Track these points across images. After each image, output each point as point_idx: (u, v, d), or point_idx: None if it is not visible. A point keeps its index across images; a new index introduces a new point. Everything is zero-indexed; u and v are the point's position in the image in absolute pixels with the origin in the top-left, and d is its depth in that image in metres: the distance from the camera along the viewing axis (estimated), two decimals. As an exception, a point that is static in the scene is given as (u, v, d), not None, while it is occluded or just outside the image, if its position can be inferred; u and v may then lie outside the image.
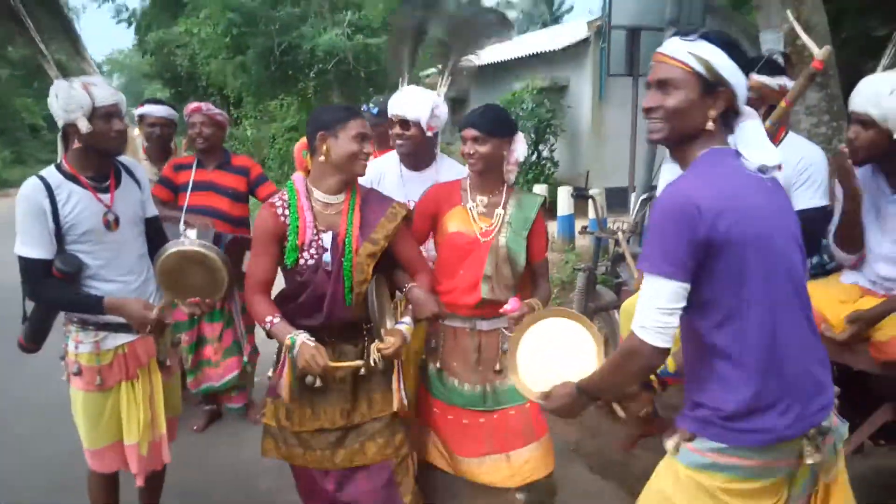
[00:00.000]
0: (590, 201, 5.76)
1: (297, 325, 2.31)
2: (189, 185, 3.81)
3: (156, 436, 2.63)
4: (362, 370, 2.36)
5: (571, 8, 33.11)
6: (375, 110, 3.85)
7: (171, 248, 2.46)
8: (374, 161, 2.96)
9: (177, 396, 2.88)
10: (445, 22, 3.16)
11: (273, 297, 2.45)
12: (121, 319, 2.46)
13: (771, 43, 4.52)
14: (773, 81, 2.68)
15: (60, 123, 2.40)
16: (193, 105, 3.93)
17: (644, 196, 3.54)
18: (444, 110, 2.89)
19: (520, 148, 2.51)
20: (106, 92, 2.39)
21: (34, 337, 2.65)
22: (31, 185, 2.39)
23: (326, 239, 2.35)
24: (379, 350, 2.30)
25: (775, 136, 2.71)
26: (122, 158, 2.66)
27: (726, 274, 1.56)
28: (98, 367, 2.50)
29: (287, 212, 2.36)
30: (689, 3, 5.98)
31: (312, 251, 2.34)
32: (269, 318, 2.31)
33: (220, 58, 13.73)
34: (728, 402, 1.60)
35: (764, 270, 1.57)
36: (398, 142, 2.88)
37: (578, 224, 7.73)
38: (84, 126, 2.34)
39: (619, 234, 4.07)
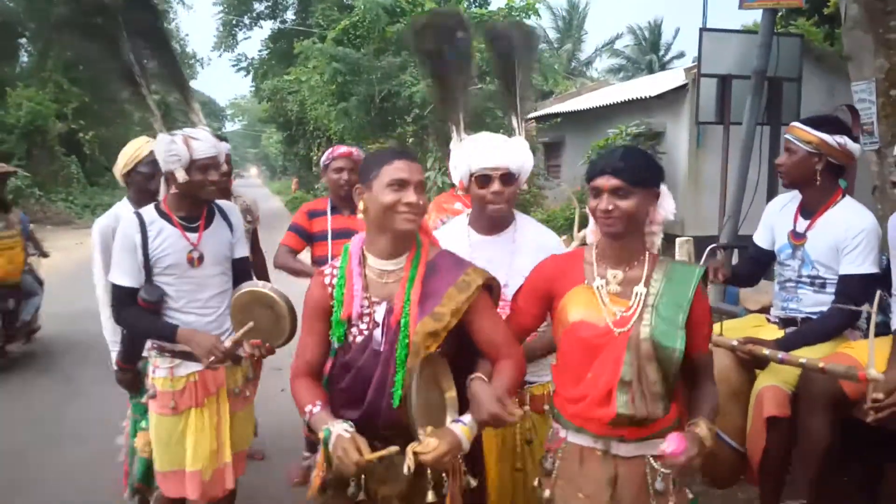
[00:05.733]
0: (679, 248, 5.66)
1: (339, 418, 1.88)
2: (328, 233, 3.62)
3: (220, 463, 2.74)
4: (430, 496, 1.83)
5: (682, 53, 32.49)
6: None
7: (247, 286, 2.63)
8: (443, 229, 2.59)
9: (247, 429, 2.98)
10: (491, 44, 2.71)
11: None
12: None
13: (863, 93, 4.35)
14: (833, 139, 2.65)
15: (163, 170, 2.63)
16: (342, 150, 3.73)
17: (712, 246, 3.46)
18: None
19: (668, 203, 1.92)
20: (205, 145, 2.59)
21: (127, 358, 2.87)
22: (128, 220, 2.63)
23: (380, 312, 1.91)
24: (415, 454, 1.72)
25: (830, 200, 2.67)
26: (221, 202, 2.85)
27: None
28: (172, 391, 2.66)
29: (335, 281, 1.98)
30: (783, 50, 5.82)
31: (363, 326, 1.92)
32: (308, 408, 1.90)
33: (326, 104, 14.45)
34: None
35: None
36: (495, 203, 2.34)
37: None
38: (181, 176, 2.55)
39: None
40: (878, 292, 2.28)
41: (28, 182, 23.14)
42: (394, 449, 1.76)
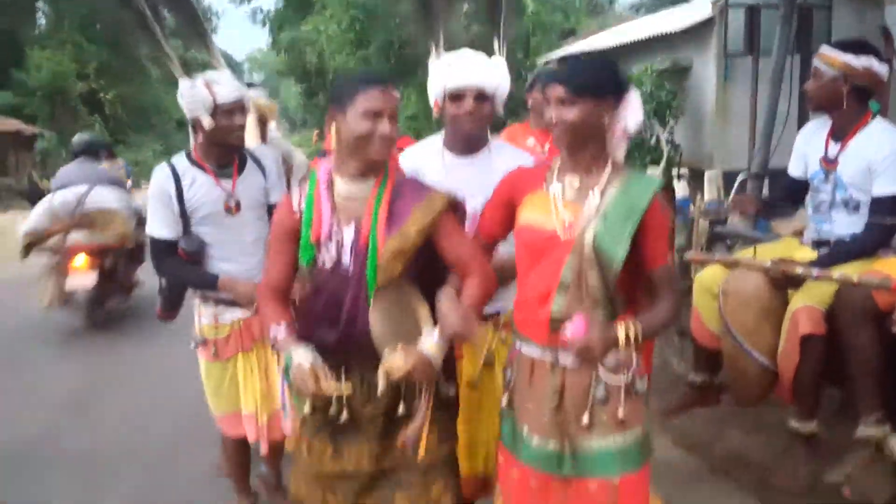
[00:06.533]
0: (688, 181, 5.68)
1: (314, 342, 1.95)
2: None
3: (273, 407, 2.81)
4: (401, 409, 1.93)
5: (702, -17, 31.47)
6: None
7: None
8: (415, 148, 2.59)
9: None
10: None
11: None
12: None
13: (898, 16, 4.24)
14: (858, 62, 2.67)
15: (189, 118, 2.61)
16: None
17: (742, 177, 3.50)
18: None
19: (631, 114, 1.83)
20: (228, 89, 2.56)
21: (169, 307, 2.95)
22: (160, 171, 2.64)
23: (348, 234, 1.94)
24: (385, 373, 1.82)
25: (859, 123, 2.68)
26: (252, 147, 2.85)
27: None
28: (216, 339, 2.73)
29: (303, 204, 2.00)
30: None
31: (332, 249, 1.95)
32: (274, 330, 1.98)
33: (345, 53, 14.34)
34: None
35: None
36: (468, 121, 2.32)
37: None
38: (207, 123, 2.54)
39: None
40: None
41: (54, 143, 23.40)
42: (346, 388, 1.87)
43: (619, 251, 1.77)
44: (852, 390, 2.64)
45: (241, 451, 2.96)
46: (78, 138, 6.75)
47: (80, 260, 5.78)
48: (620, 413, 1.83)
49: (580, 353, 1.69)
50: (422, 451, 1.92)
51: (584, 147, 1.85)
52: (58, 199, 5.71)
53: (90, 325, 6.17)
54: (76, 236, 5.72)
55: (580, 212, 1.83)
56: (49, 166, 22.28)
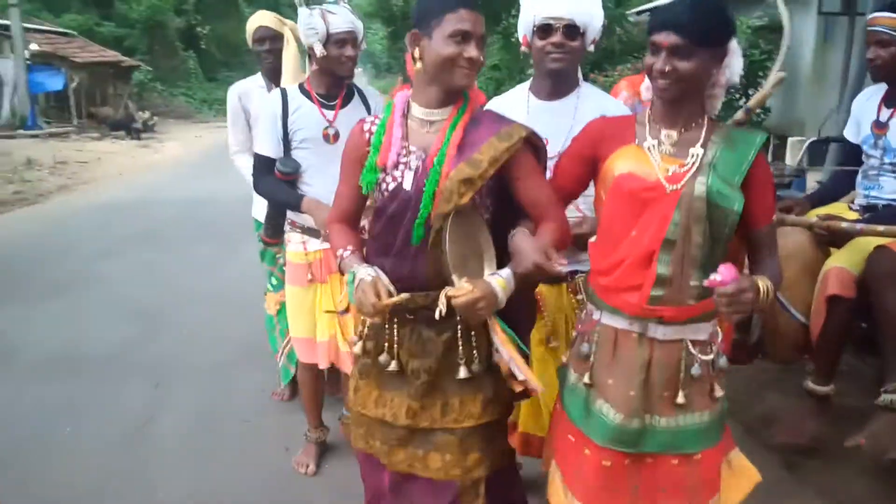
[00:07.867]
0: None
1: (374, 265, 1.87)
2: None
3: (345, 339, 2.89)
4: (462, 372, 1.85)
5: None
6: None
7: None
8: (502, 95, 2.48)
9: None
10: None
11: None
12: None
13: None
14: None
15: (304, 45, 2.73)
16: None
17: (812, 139, 3.43)
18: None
19: (735, 62, 1.69)
20: (341, 19, 2.65)
21: (272, 234, 3.07)
22: (272, 95, 2.82)
23: (415, 159, 1.83)
24: (448, 297, 1.70)
25: None
26: (360, 85, 2.94)
27: None
28: (302, 265, 2.86)
29: (374, 129, 1.90)
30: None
31: (398, 174, 1.84)
32: (340, 252, 1.92)
33: (431, -3, 14.25)
34: None
35: None
36: (555, 55, 2.17)
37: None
38: (319, 50, 2.65)
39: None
40: None
41: (151, 76, 24.37)
42: (405, 296, 1.78)
43: (735, 205, 1.63)
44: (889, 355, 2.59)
45: (313, 380, 3.07)
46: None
47: None
48: (714, 391, 1.78)
49: (730, 298, 1.52)
50: (535, 382, 1.80)
51: (687, 99, 1.70)
52: None
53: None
54: None
55: (683, 163, 1.68)
56: (144, 98, 23.27)
